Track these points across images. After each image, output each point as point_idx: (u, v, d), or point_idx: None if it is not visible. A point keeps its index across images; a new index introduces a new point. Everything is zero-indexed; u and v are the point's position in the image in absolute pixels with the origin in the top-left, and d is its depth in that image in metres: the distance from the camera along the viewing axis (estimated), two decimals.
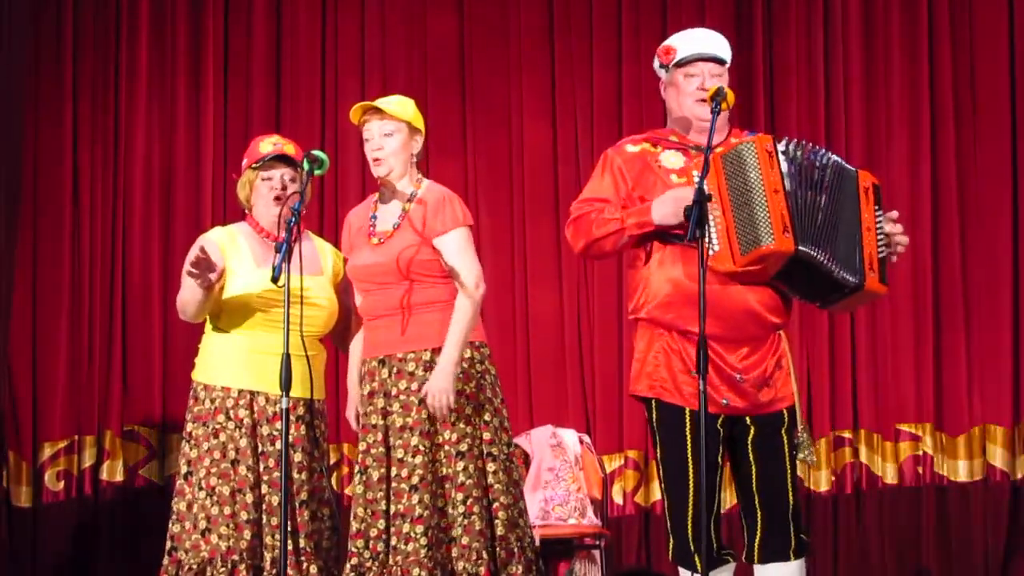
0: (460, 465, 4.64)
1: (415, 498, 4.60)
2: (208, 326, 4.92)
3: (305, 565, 4.74)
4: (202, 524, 4.75)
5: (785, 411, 4.37)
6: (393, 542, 4.62)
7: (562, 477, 6.53)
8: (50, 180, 7.05)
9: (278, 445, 4.69)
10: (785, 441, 4.36)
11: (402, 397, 4.67)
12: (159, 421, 6.98)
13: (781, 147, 4.24)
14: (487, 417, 4.69)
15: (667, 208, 4.24)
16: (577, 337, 7.07)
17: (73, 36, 7.12)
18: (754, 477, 4.35)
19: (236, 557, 4.71)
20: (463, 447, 4.65)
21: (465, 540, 4.61)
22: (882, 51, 7.08)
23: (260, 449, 4.78)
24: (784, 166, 4.21)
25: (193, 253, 4.74)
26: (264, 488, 4.76)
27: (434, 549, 4.59)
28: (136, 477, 6.97)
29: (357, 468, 4.75)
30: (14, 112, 6.97)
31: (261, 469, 4.77)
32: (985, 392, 6.89)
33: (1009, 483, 6.85)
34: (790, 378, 4.38)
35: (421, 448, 4.63)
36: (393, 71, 7.18)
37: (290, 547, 4.64)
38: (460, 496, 4.62)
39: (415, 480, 4.61)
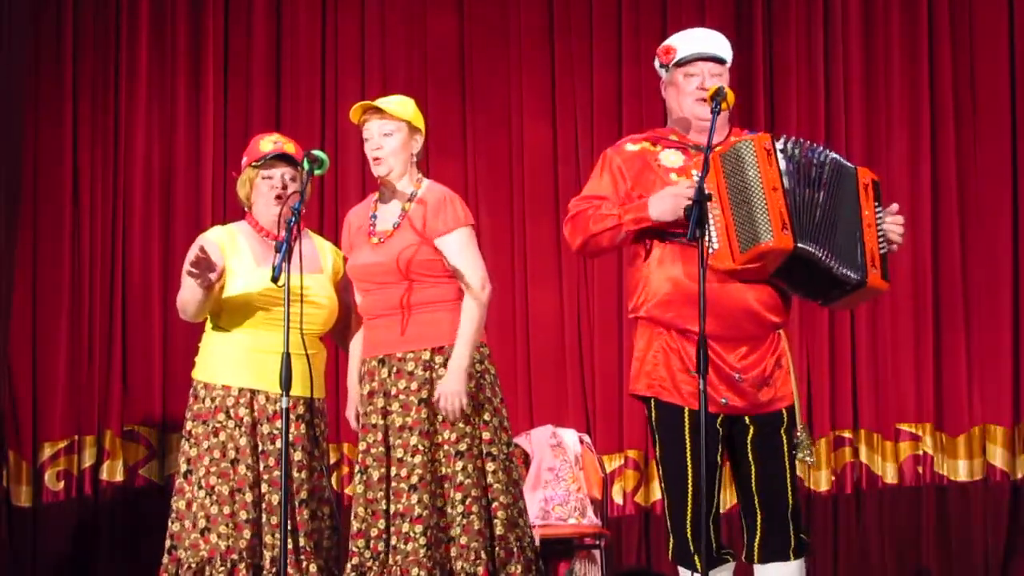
0: (459, 465, 4.64)
1: (414, 498, 4.60)
2: (208, 325, 4.92)
3: (305, 564, 4.73)
4: (201, 523, 4.76)
5: (784, 411, 4.37)
6: (393, 542, 4.62)
7: (562, 477, 6.53)
8: (50, 180, 7.05)
9: (278, 444, 4.69)
10: (784, 441, 4.36)
11: (401, 397, 4.67)
12: (159, 421, 6.98)
13: (780, 145, 4.24)
14: (486, 417, 4.69)
15: (664, 204, 4.24)
16: (577, 337, 7.07)
17: (73, 36, 7.12)
18: (753, 477, 4.35)
19: (236, 556, 4.71)
20: (462, 447, 4.65)
21: (464, 540, 4.61)
22: (882, 51, 7.08)
23: (260, 448, 4.78)
24: (782, 164, 4.22)
25: (193, 253, 4.75)
26: (264, 487, 4.76)
27: (433, 549, 4.59)
28: (136, 477, 6.97)
29: (357, 468, 4.75)
30: (14, 112, 6.97)
31: (261, 468, 4.77)
32: (985, 392, 6.89)
33: (1009, 483, 6.85)
34: (790, 378, 4.38)
35: (420, 448, 4.63)
36: (393, 71, 7.18)
37: (290, 546, 4.63)
38: (459, 496, 4.62)
39: (414, 480, 4.61)
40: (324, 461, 4.91)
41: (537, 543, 4.96)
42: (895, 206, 4.40)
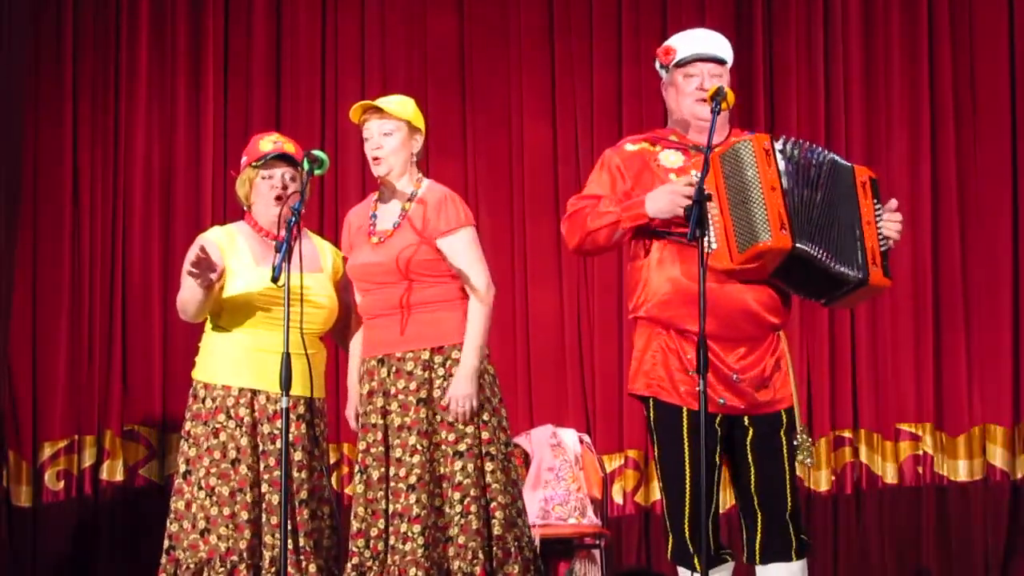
0: (458, 464, 4.64)
1: (412, 497, 4.60)
2: (208, 325, 4.92)
3: (305, 564, 4.73)
4: (201, 524, 4.75)
5: (784, 412, 4.37)
6: (391, 541, 4.62)
7: (562, 477, 6.53)
8: (50, 180, 7.05)
9: (278, 444, 4.69)
10: (784, 442, 4.36)
11: (401, 396, 4.67)
12: (159, 421, 6.98)
13: (778, 145, 4.24)
14: (485, 417, 4.69)
15: (661, 201, 4.24)
16: (577, 337, 7.07)
17: (73, 36, 7.12)
18: (753, 479, 4.35)
19: (235, 558, 4.71)
20: (461, 447, 4.65)
21: (462, 539, 4.61)
22: (882, 51, 7.08)
23: (260, 448, 4.77)
24: (781, 164, 4.22)
25: (193, 253, 4.74)
26: (264, 487, 4.76)
27: (431, 548, 4.59)
28: (136, 477, 6.97)
29: (357, 468, 4.75)
30: (14, 112, 6.97)
31: (261, 468, 4.76)
32: (985, 392, 6.89)
33: (1009, 483, 6.85)
34: (789, 379, 4.38)
35: (419, 448, 4.63)
36: (393, 71, 7.19)
37: (290, 546, 4.63)
38: (457, 495, 4.62)
39: (413, 480, 4.61)
40: (324, 461, 4.90)
41: (536, 543, 4.96)
42: (894, 202, 4.40)
